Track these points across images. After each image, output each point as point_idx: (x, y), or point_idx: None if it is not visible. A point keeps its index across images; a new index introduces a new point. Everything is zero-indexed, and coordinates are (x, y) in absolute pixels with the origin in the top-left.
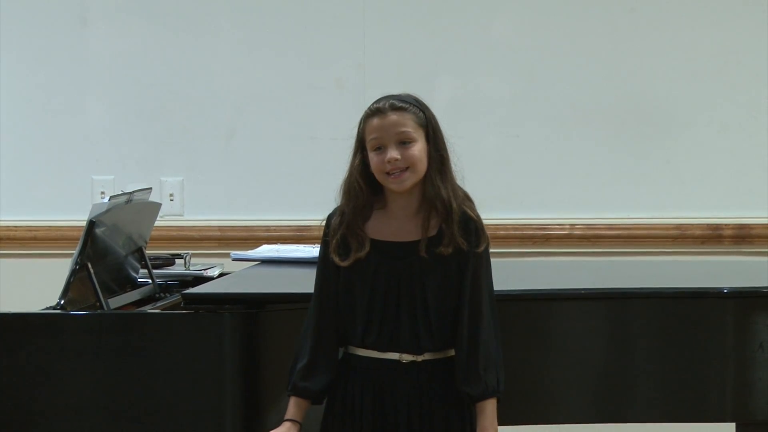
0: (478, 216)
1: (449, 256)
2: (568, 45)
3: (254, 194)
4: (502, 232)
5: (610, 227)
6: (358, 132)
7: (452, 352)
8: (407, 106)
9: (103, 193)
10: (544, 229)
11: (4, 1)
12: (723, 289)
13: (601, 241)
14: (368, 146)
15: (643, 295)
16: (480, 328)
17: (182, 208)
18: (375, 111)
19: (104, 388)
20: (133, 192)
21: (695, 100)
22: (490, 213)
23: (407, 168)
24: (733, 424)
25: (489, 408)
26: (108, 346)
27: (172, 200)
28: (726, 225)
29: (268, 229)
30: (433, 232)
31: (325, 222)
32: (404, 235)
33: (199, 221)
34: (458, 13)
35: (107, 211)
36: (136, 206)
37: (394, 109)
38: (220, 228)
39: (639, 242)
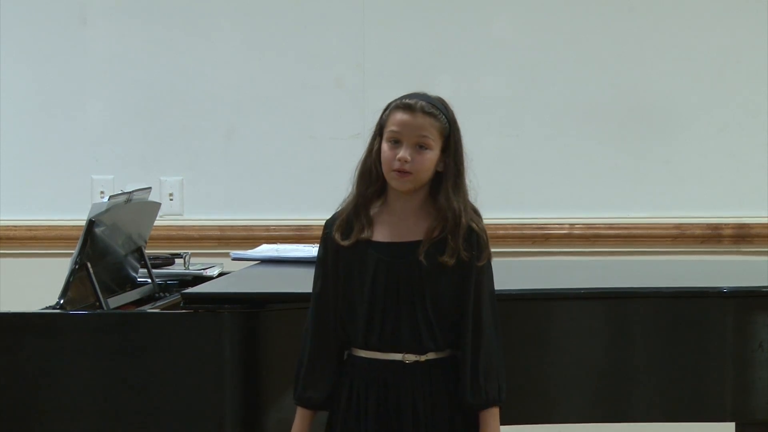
0: (483, 230)
1: (451, 266)
2: (568, 45)
3: (254, 194)
4: (501, 232)
5: (610, 227)
6: (381, 118)
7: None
8: (438, 113)
9: (102, 192)
10: (544, 228)
11: (4, 1)
12: (723, 288)
13: (600, 240)
14: (385, 135)
15: (643, 294)
16: (482, 338)
17: (182, 207)
18: (406, 106)
19: (104, 387)
20: (133, 191)
21: (695, 100)
22: (490, 213)
23: (412, 173)
24: (733, 424)
25: (491, 418)
26: (108, 346)
27: (171, 200)
28: (726, 224)
29: (267, 228)
30: (435, 238)
31: (324, 225)
32: (403, 235)
33: (198, 221)
34: (458, 13)
35: (107, 210)
36: (136, 206)
37: (425, 112)
38: (220, 227)
39: (638, 242)
